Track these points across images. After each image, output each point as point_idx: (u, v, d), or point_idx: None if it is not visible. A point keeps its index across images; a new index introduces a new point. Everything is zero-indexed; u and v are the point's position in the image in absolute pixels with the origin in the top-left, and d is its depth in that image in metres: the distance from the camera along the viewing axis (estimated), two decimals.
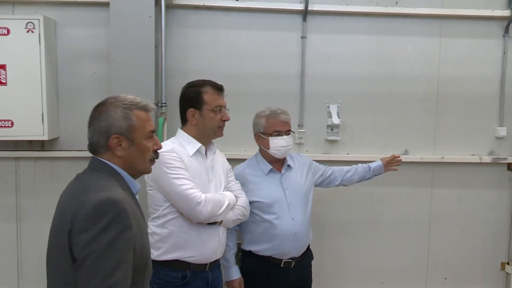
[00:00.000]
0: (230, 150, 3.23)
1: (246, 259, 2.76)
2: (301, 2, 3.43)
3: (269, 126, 2.69)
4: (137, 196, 1.74)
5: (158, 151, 2.25)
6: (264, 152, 2.75)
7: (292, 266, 2.71)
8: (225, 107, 2.43)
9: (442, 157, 3.61)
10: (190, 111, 2.40)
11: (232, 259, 2.70)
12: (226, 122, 2.42)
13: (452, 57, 3.57)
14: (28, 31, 3.08)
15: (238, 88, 3.43)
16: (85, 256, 1.44)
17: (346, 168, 3.02)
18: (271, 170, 2.73)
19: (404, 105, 3.58)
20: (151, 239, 2.28)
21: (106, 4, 3.17)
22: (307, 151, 3.52)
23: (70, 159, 3.32)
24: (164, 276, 2.34)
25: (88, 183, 1.57)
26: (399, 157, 3.05)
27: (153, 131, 1.72)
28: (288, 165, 2.78)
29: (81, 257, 1.45)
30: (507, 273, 3.75)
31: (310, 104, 3.54)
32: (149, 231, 2.29)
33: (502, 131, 3.62)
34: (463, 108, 3.61)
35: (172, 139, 2.46)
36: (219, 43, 3.45)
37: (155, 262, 2.17)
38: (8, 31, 3.07)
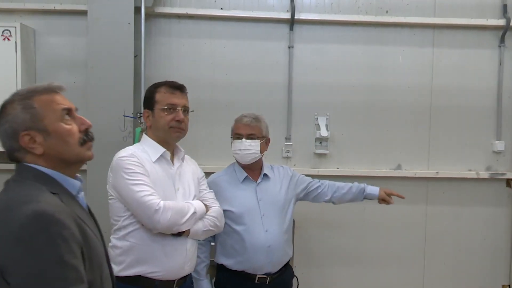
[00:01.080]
0: (215, 164, 3.12)
1: (219, 273, 2.59)
2: (287, 11, 3.34)
3: (233, 129, 2.61)
4: (82, 194, 1.51)
5: (120, 156, 2.15)
6: None
7: (267, 283, 2.51)
8: (184, 107, 2.25)
9: (437, 172, 3.44)
10: (145, 113, 2.28)
11: (203, 272, 2.52)
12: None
13: (445, 68, 3.44)
14: (4, 39, 3.03)
15: (222, 99, 3.35)
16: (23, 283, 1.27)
17: (339, 184, 2.76)
18: (246, 178, 2.57)
19: (396, 118, 3.44)
20: (112, 252, 2.13)
21: (86, 13, 3.10)
22: (294, 165, 3.38)
23: None
24: None
25: (11, 196, 1.36)
26: (403, 197, 2.79)
27: (70, 109, 1.46)
28: (265, 174, 2.62)
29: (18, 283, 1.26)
30: None
31: (297, 116, 3.41)
32: (110, 244, 2.16)
33: (500, 146, 3.45)
34: (458, 121, 3.46)
35: (136, 144, 2.33)
36: (203, 53, 3.36)
37: (117, 278, 2.00)
38: None
